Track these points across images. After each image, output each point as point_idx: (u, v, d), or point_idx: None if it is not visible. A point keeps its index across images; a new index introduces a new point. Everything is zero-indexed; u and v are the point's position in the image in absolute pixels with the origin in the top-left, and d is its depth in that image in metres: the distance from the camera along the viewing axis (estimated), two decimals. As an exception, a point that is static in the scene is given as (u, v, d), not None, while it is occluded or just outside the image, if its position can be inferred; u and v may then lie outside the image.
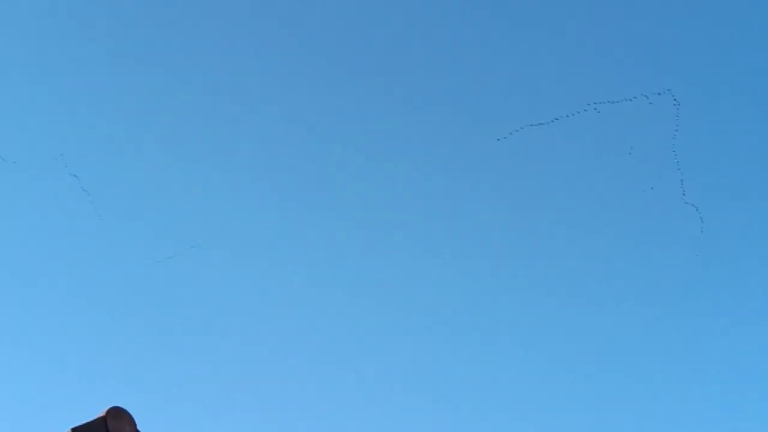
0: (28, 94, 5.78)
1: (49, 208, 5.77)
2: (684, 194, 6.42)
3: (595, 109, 6.48)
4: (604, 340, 6.45)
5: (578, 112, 6.50)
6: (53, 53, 5.78)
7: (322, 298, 6.33)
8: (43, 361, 5.84)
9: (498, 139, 6.48)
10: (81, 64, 5.81)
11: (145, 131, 6.03)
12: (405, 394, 6.15)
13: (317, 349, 6.22)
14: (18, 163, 5.43)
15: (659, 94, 6.44)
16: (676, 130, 6.46)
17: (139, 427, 2.15)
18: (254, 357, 6.13)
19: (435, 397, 6.18)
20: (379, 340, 6.37)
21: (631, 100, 6.46)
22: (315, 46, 6.36)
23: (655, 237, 6.59)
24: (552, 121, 6.52)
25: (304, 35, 6.34)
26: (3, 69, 5.73)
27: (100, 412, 2.08)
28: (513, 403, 6.23)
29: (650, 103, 6.45)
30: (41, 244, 5.78)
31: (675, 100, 6.44)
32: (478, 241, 6.58)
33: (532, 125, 6.48)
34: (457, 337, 6.38)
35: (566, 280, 6.52)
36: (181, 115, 6.18)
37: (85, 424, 2.02)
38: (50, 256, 5.76)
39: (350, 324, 6.38)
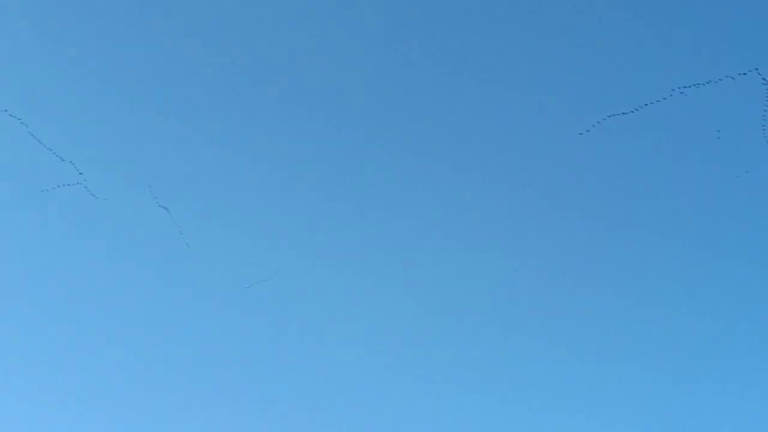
0: (114, 128, 5.73)
1: (140, 241, 5.73)
2: (778, 177, 6.24)
3: (682, 93, 6.31)
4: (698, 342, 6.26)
5: (663, 99, 6.33)
6: (136, 84, 5.72)
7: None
8: (135, 398, 5.82)
9: (580, 134, 6.34)
10: (166, 93, 5.74)
11: (227, 157, 5.95)
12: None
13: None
14: (109, 199, 5.42)
15: (745, 74, 6.26)
16: (766, 110, 6.28)
17: None
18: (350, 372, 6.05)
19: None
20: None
21: (716, 82, 6.28)
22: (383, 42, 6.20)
23: (752, 224, 6.38)
24: (636, 109, 6.35)
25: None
26: (89, 108, 5.68)
27: None
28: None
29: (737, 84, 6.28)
30: (133, 277, 5.74)
31: (764, 79, 6.25)
32: (562, 239, 6.43)
33: (614, 115, 6.32)
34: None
35: (656, 277, 6.33)
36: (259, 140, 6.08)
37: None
38: (142, 288, 5.73)
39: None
